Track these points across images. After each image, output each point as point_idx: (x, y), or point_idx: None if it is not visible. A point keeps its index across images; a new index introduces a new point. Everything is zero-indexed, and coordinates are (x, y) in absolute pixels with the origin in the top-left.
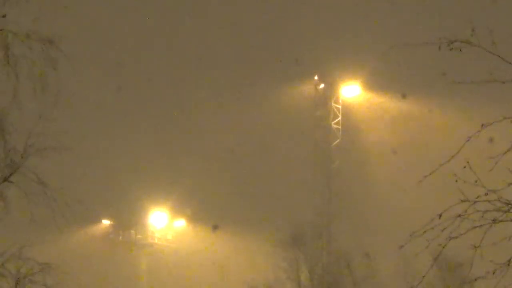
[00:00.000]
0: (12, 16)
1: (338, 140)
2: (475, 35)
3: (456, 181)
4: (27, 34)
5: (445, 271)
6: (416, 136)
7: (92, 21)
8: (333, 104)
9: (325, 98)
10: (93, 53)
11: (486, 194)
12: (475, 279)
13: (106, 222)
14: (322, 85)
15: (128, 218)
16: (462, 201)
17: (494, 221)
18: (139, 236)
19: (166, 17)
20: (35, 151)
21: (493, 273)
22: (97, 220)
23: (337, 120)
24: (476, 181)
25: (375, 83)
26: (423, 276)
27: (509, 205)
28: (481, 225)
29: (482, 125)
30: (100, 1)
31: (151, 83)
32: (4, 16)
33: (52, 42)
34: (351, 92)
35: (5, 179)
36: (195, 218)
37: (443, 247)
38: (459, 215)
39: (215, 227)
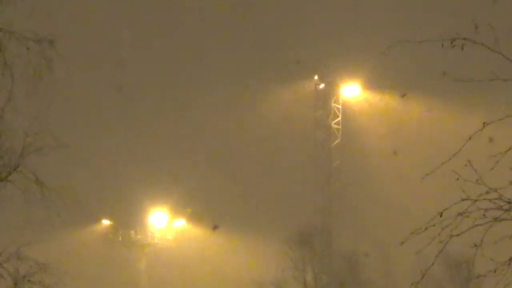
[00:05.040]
0: (9, 15)
1: (338, 140)
2: (478, 33)
3: (458, 179)
4: (24, 34)
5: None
6: (416, 136)
7: (90, 20)
8: (333, 104)
9: (325, 98)
10: (93, 52)
11: (488, 192)
12: (477, 277)
13: (106, 222)
14: (322, 85)
15: (128, 218)
16: (463, 199)
17: (496, 219)
18: (139, 236)
19: (166, 17)
20: (33, 150)
21: (494, 271)
22: (97, 220)
23: (337, 120)
24: (477, 180)
25: (375, 83)
26: (423, 274)
27: (511, 204)
28: (482, 224)
29: (484, 123)
30: (98, 0)
31: (150, 83)
32: None
33: (50, 42)
34: (351, 92)
35: (3, 179)
36: (195, 218)
37: (444, 245)
38: (460, 213)
39: (215, 227)
